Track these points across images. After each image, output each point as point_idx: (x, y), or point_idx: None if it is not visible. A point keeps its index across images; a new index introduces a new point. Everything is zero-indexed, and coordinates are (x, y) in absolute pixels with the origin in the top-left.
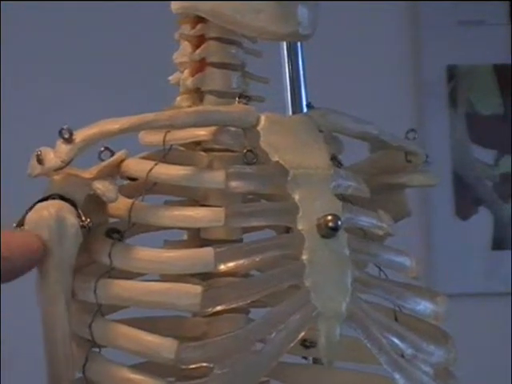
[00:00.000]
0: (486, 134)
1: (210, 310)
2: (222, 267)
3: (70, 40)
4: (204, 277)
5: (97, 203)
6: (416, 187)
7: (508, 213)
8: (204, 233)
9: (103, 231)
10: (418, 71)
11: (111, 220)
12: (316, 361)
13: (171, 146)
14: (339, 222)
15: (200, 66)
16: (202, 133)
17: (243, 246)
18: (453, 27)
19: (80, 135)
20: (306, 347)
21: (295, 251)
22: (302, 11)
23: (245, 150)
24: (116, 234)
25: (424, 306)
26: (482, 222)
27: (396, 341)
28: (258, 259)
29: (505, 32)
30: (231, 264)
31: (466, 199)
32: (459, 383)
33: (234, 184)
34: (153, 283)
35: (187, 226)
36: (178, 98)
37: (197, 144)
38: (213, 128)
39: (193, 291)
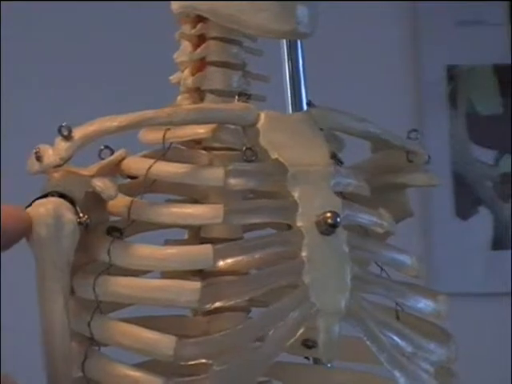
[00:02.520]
0: (486, 133)
1: (208, 306)
2: (221, 264)
3: (70, 40)
4: (205, 275)
5: (96, 201)
6: (417, 187)
7: (508, 213)
8: (204, 231)
9: (104, 229)
10: (418, 71)
11: (112, 218)
12: (316, 361)
13: (171, 144)
14: (338, 219)
15: (200, 65)
16: (201, 131)
17: (242, 242)
18: (452, 27)
19: (79, 132)
20: (308, 347)
21: (294, 248)
22: (302, 9)
23: (244, 148)
24: (116, 232)
25: (425, 305)
26: (482, 222)
27: (396, 339)
28: (257, 256)
29: (504, 32)
30: (230, 261)
31: (466, 199)
32: (460, 382)
33: (233, 181)
34: (152, 280)
35: (186, 223)
36: (179, 98)
37: (197, 143)
38: (212, 126)
39: (192, 287)
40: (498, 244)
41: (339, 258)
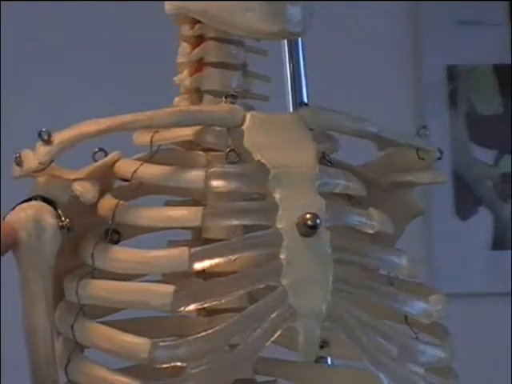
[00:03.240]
0: (486, 133)
1: (182, 309)
2: (198, 266)
3: (70, 40)
4: (206, 276)
5: (87, 204)
6: (424, 185)
7: (508, 213)
8: (205, 233)
9: (96, 232)
10: (418, 71)
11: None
12: (317, 360)
13: (159, 146)
14: (318, 221)
15: (198, 66)
16: (186, 133)
17: (220, 245)
18: (453, 27)
19: (58, 137)
20: (320, 347)
21: (274, 250)
22: (292, 9)
23: (227, 150)
24: (115, 234)
25: (415, 306)
26: (482, 221)
27: (381, 340)
28: (234, 258)
29: (505, 32)
30: (207, 263)
31: (466, 199)
32: (460, 382)
33: (214, 183)
34: (129, 283)
35: (165, 225)
36: (176, 99)
37: (197, 144)
38: (197, 128)
39: (165, 291)
40: (498, 244)
41: (320, 259)
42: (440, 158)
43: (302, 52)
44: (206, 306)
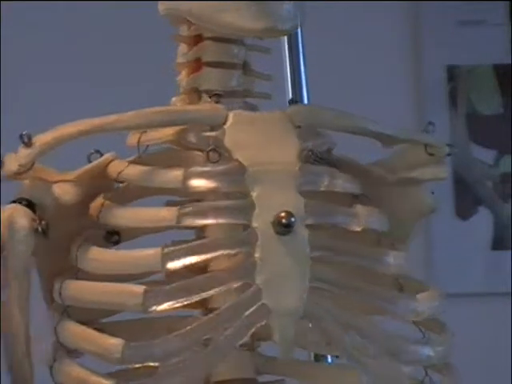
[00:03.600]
0: (486, 133)
1: (153, 309)
2: (171, 266)
3: (70, 40)
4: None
5: (79, 206)
6: (427, 181)
7: (508, 213)
8: (207, 233)
9: (102, 234)
10: (418, 71)
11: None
12: (317, 358)
13: (147, 146)
14: (293, 219)
15: (196, 66)
16: (169, 133)
17: (194, 244)
18: (453, 27)
19: (39, 140)
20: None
21: (249, 249)
22: (278, 7)
23: (208, 149)
24: (116, 235)
25: (400, 304)
26: (482, 221)
27: (361, 339)
28: (207, 257)
29: (505, 32)
30: (181, 263)
31: (466, 199)
32: (460, 378)
33: (193, 183)
34: (103, 284)
35: (141, 225)
36: (173, 99)
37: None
38: (180, 128)
39: (135, 291)
40: (498, 244)
41: (296, 258)
42: (450, 154)
43: (303, 52)
44: (177, 305)
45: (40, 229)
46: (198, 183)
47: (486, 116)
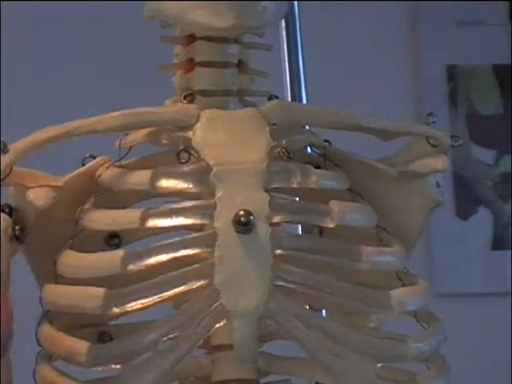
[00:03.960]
0: (486, 133)
1: (113, 311)
2: (131, 268)
3: (70, 40)
4: None
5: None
6: (427, 174)
7: (508, 213)
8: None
9: (102, 237)
10: (418, 71)
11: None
12: None
13: (130, 147)
14: (251, 217)
15: (189, 66)
16: (142, 134)
17: (153, 246)
18: (453, 27)
19: (13, 147)
20: None
21: (209, 249)
22: (246, 3)
23: (179, 150)
24: (116, 238)
25: (373, 303)
26: (482, 222)
27: (325, 339)
28: (166, 259)
29: (505, 32)
30: (141, 265)
31: (466, 199)
32: (444, 370)
33: (160, 184)
34: (66, 287)
35: (109, 228)
36: (168, 101)
37: None
38: (152, 129)
39: (94, 294)
40: (498, 244)
41: (256, 257)
42: (454, 146)
43: (302, 51)
44: (139, 307)
45: (15, 235)
46: (166, 184)
47: (485, 116)
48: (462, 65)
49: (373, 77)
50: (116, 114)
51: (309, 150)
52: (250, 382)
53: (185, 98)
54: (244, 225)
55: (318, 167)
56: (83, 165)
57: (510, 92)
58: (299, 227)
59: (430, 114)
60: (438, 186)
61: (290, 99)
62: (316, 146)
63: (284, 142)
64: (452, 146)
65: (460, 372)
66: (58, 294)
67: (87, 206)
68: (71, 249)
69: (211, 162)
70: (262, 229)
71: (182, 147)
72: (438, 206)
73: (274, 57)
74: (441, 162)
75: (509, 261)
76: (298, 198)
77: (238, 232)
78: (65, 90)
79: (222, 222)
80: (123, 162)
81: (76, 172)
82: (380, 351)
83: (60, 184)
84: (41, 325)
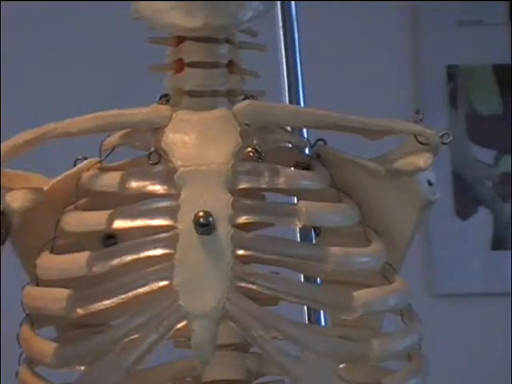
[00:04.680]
0: (486, 133)
1: (76, 313)
2: (97, 270)
3: (70, 40)
4: None
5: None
6: (412, 172)
7: (508, 213)
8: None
9: (99, 238)
10: (418, 71)
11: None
12: None
13: (113, 148)
14: (210, 219)
15: (179, 66)
16: (116, 137)
17: (117, 247)
18: (453, 27)
19: None
20: None
21: (171, 250)
22: (217, 3)
23: (149, 151)
24: (112, 239)
25: (331, 305)
26: (482, 221)
27: (283, 340)
28: (128, 259)
29: (504, 32)
30: (107, 266)
31: (466, 199)
32: (421, 365)
33: (128, 186)
34: (35, 288)
35: (83, 230)
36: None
37: None
38: (125, 131)
39: (58, 296)
40: (498, 244)
41: (215, 258)
42: (445, 143)
43: (300, 51)
44: (101, 308)
45: None
46: (135, 185)
47: (485, 116)
48: (462, 65)
49: (372, 77)
50: (89, 116)
51: (306, 150)
52: (239, 382)
53: (160, 98)
54: (204, 226)
55: (307, 167)
56: (75, 166)
57: (510, 92)
58: (297, 230)
59: (417, 112)
60: (430, 184)
61: (287, 100)
62: (301, 145)
63: (255, 142)
64: (443, 144)
65: (460, 372)
66: (31, 295)
67: (69, 207)
68: (51, 251)
69: (178, 163)
70: (223, 230)
71: (152, 149)
72: (430, 204)
73: (271, 57)
74: (423, 160)
75: (509, 261)
76: (295, 199)
77: (199, 233)
78: (65, 90)
79: (184, 224)
80: (111, 165)
81: (64, 174)
82: (340, 352)
83: (44, 186)
84: (21, 326)
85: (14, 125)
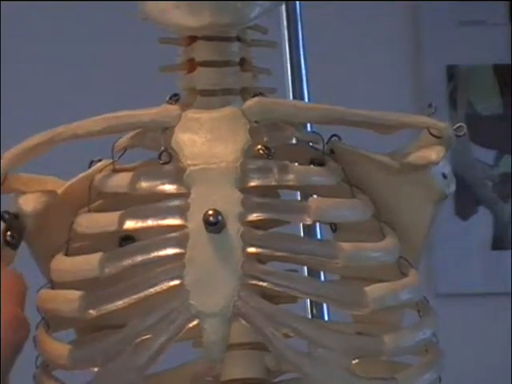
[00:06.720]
0: (486, 133)
1: (89, 314)
2: (109, 271)
3: (70, 40)
4: None
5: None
6: (424, 166)
7: (508, 213)
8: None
9: (116, 240)
10: (418, 71)
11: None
12: None
13: (125, 149)
14: (219, 217)
15: (191, 66)
16: (126, 138)
17: (128, 247)
18: (453, 27)
19: (6, 155)
20: None
21: (182, 250)
22: (222, 2)
23: (160, 151)
24: (130, 240)
25: (343, 300)
26: (482, 221)
27: (295, 337)
28: (139, 260)
29: (505, 32)
30: (119, 267)
31: (466, 199)
32: (437, 358)
33: (140, 186)
34: (48, 291)
35: (94, 231)
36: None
37: None
38: (135, 132)
39: (70, 298)
40: (498, 244)
41: (225, 256)
42: (459, 136)
43: (303, 49)
44: (114, 309)
45: (6, 240)
46: (145, 185)
47: (485, 116)
48: (461, 65)
49: (373, 77)
50: (97, 118)
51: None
52: (257, 380)
53: (170, 98)
54: (213, 224)
55: (322, 164)
56: (90, 168)
57: (510, 92)
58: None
59: (429, 105)
60: (445, 177)
61: (291, 97)
62: (314, 141)
63: (265, 139)
64: (457, 136)
65: (460, 372)
66: (45, 298)
67: (83, 209)
68: (65, 253)
69: (187, 162)
70: (233, 228)
71: (162, 148)
72: (445, 197)
73: (275, 55)
74: (435, 153)
75: (509, 261)
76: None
77: (208, 232)
78: (65, 90)
79: (194, 223)
80: (125, 166)
81: (79, 176)
82: (352, 348)
83: (59, 189)
84: (37, 329)
85: (13, 125)
